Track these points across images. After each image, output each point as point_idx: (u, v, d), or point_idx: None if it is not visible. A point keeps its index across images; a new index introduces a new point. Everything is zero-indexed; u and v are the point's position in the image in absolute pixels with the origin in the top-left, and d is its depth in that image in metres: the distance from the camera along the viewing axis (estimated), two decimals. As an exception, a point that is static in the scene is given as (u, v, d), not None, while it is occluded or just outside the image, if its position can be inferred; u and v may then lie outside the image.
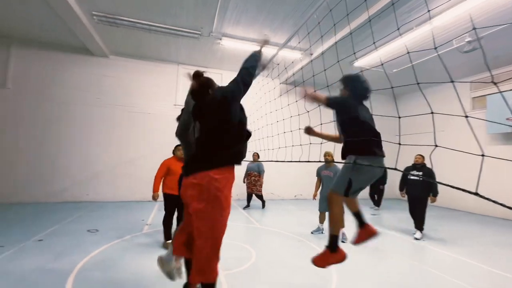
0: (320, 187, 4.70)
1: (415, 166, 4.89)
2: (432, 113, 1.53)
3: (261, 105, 4.91)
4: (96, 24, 5.73)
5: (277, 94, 4.27)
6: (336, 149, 2.69)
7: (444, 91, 8.33)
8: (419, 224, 4.73)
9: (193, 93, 1.92)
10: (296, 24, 5.47)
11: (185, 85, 7.97)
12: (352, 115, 2.03)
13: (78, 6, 5.07)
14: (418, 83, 1.63)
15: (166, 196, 3.73)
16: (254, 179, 6.73)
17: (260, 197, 6.86)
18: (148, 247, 3.70)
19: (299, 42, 3.79)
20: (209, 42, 6.51)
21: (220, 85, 1.98)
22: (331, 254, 2.08)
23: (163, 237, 3.78)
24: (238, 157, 1.81)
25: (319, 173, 4.75)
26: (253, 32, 6.00)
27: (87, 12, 5.34)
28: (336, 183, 2.09)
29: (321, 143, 2.56)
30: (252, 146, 5.45)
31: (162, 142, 7.62)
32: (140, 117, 7.62)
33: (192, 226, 1.70)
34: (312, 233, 4.64)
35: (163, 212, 3.73)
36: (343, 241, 4.10)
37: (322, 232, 4.66)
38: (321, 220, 4.69)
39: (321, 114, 2.62)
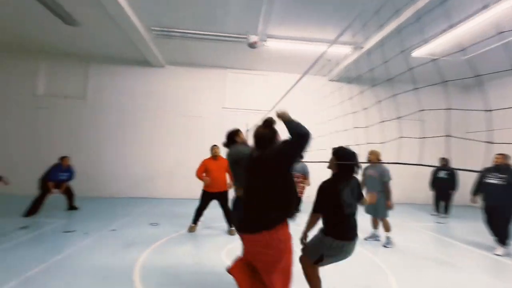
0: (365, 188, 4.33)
1: (496, 168, 4.12)
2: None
3: (310, 105, 4.78)
4: (155, 37, 6.37)
5: (327, 92, 4.09)
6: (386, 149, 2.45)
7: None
8: (502, 238, 3.97)
9: (258, 139, 1.90)
10: (343, 17, 5.19)
11: (232, 89, 8.27)
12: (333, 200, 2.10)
13: (140, 23, 5.71)
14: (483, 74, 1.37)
15: (203, 192, 4.56)
16: (297, 180, 6.25)
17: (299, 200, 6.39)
18: (202, 241, 3.95)
19: (352, 36, 3.56)
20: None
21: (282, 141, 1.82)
22: None
23: (212, 232, 4.30)
24: (292, 210, 1.87)
25: (363, 173, 4.40)
26: (297, 31, 5.90)
27: (147, 28, 5.97)
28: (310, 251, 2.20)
29: (383, 143, 2.36)
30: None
31: (212, 143, 8.07)
32: (193, 120, 8.19)
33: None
34: (365, 239, 4.32)
35: (214, 210, 3.97)
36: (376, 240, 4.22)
37: (377, 239, 4.31)
38: (374, 225, 4.35)
39: (369, 112, 2.41)
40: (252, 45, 5.23)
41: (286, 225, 1.76)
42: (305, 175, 6.35)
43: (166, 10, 5.29)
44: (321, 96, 4.81)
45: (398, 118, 2.08)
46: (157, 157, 7.96)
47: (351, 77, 7.25)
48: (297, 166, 6.35)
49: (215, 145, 4.86)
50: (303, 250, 2.22)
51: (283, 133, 1.82)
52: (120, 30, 5.91)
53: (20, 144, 7.52)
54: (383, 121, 2.02)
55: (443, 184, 6.56)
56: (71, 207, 5.68)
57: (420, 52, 6.16)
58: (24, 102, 7.63)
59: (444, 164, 6.70)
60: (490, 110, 1.22)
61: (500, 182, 3.95)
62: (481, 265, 3.56)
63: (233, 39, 6.22)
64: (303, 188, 6.27)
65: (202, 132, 8.16)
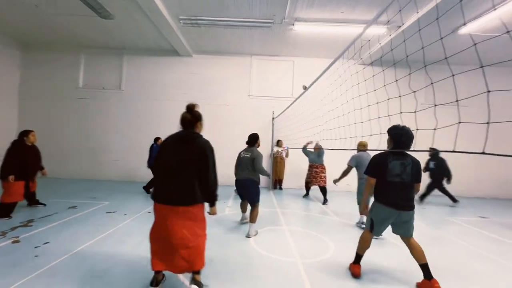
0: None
1: None
2: None
3: (340, 93, 4.57)
4: (182, 27, 6.45)
5: (361, 77, 3.84)
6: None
7: None
8: None
9: (183, 122, 2.53)
10: (380, -6, 4.77)
11: (258, 76, 8.14)
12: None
13: (168, 12, 5.80)
14: None
15: None
16: (316, 170, 6.16)
17: (323, 190, 6.15)
18: (231, 226, 4.08)
19: (392, 16, 3.27)
20: (281, 29, 6.43)
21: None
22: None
23: (240, 219, 4.41)
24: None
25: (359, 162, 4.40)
26: (328, 12, 5.57)
27: (175, 17, 6.05)
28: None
29: (416, 129, 2.18)
30: (328, 134, 5.17)
31: (239, 131, 8.15)
32: (219, 108, 8.30)
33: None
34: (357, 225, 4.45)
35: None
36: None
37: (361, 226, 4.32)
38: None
39: (415, 98, 2.21)
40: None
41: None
42: (322, 164, 6.21)
43: (193, -2, 5.29)
44: (354, 82, 4.55)
45: (454, 102, 1.88)
46: (186, 145, 8.25)
47: (386, 60, 6.74)
48: (314, 156, 6.23)
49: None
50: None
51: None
52: (150, 21, 6.08)
53: (64, 133, 8.25)
54: (435, 105, 1.84)
55: (431, 174, 6.49)
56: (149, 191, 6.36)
57: (468, 29, 5.51)
58: (68, 94, 8.29)
59: (433, 154, 6.22)
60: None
61: None
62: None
63: (260, 24, 6.07)
64: (325, 177, 6.15)
65: (228, 120, 8.26)
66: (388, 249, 3.46)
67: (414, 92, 1.85)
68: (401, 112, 2.14)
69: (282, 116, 7.54)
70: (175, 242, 2.05)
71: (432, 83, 1.75)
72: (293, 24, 6.04)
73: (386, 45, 6.17)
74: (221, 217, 4.61)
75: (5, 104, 7.88)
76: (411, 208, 2.47)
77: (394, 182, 2.45)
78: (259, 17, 5.90)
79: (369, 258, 2.95)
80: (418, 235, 4.12)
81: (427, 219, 5.16)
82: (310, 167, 6.37)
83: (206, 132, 9.59)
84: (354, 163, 4.45)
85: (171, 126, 9.22)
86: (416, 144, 2.16)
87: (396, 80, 2.25)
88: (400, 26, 5.53)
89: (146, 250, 2.65)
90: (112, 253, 2.93)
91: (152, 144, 6.52)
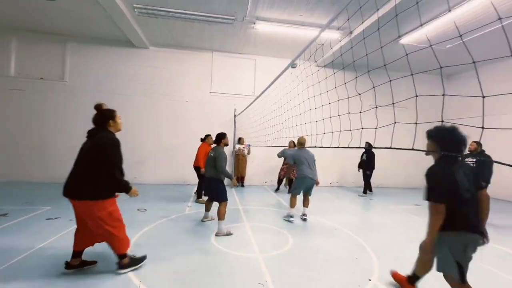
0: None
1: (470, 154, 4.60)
2: (483, 96, 1.24)
3: (298, 93, 4.78)
4: (137, 16, 6.02)
5: (316, 78, 4.09)
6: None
7: (497, 69, 7.27)
8: None
9: (93, 121, 2.59)
10: (333, 2, 5.10)
11: (220, 73, 8.10)
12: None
13: (121, 0, 5.35)
14: (474, 62, 1.41)
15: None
16: (291, 167, 6.79)
17: (292, 181, 6.84)
18: (192, 225, 3.98)
19: (344, 22, 3.51)
20: (243, 27, 6.44)
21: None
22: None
23: (203, 217, 4.36)
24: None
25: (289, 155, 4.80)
26: (287, 14, 5.76)
27: (129, 5, 5.62)
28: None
29: (361, 129, 2.41)
30: (291, 132, 5.41)
31: (199, 129, 7.96)
32: (178, 105, 7.99)
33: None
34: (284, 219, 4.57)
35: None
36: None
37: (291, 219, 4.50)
38: (293, 204, 4.52)
39: (362, 97, 2.45)
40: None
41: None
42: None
43: (149, -14, 4.98)
44: (310, 82, 4.82)
45: (372, 108, 2.11)
46: (142, 142, 7.77)
47: (339, 63, 7.26)
48: (289, 151, 6.60)
49: (208, 135, 5.46)
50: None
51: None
52: (99, 6, 5.53)
53: (-6, 128, 7.08)
54: (376, 107, 2.05)
55: (362, 165, 7.33)
56: None
57: (408, 40, 6.23)
58: (-5, 83, 7.11)
59: (369, 148, 7.14)
60: (484, 96, 1.24)
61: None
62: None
63: (221, 20, 5.99)
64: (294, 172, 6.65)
65: (189, 117, 8.01)
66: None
67: (360, 94, 2.03)
68: (349, 113, 2.33)
69: (244, 113, 7.60)
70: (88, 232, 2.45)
71: (374, 87, 1.96)
72: (255, 23, 6.10)
73: (339, 49, 6.62)
74: (181, 216, 4.47)
75: None
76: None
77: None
78: (220, 13, 5.82)
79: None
80: (365, 223, 4.55)
81: (374, 208, 5.74)
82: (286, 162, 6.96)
83: (166, 129, 9.22)
84: (292, 160, 4.62)
85: (125, 122, 8.57)
86: (362, 141, 2.38)
87: (345, 83, 2.45)
88: (351, 32, 5.99)
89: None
90: (52, 265, 2.63)
91: None
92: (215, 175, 3.70)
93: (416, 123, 1.57)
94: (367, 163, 7.19)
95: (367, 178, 7.23)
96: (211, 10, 5.71)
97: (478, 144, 4.69)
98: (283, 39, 7.03)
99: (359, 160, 7.55)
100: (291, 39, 6.90)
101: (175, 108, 7.96)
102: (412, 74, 1.59)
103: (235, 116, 8.11)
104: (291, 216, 4.49)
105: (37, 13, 6.20)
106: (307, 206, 4.64)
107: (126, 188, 2.42)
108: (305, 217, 4.58)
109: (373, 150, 7.15)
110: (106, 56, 7.62)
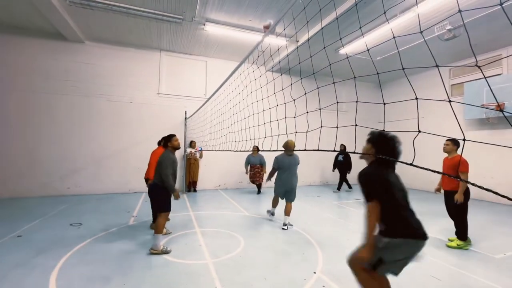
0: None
1: None
2: (416, 98, 1.38)
3: (247, 94, 4.85)
4: (68, 6, 5.34)
5: (263, 82, 4.21)
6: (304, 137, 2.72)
7: (424, 79, 8.60)
8: None
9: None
10: (281, 10, 5.35)
11: (169, 73, 7.74)
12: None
13: (47, -14, 4.69)
14: (403, 68, 1.64)
15: None
16: (258, 171, 7.29)
17: (259, 186, 7.57)
18: (135, 237, 3.66)
19: (284, 29, 3.70)
20: (192, 27, 6.27)
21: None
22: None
23: (149, 227, 4.11)
24: None
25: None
26: (237, 18, 5.83)
27: (58, -7, 4.96)
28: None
29: (307, 132, 2.57)
30: (236, 136, 5.43)
31: (146, 132, 7.44)
32: (121, 106, 7.33)
33: None
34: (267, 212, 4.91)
35: (148, 203, 3.75)
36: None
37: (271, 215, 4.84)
38: (274, 204, 4.75)
39: (307, 101, 2.61)
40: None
41: None
42: (262, 165, 7.32)
43: (82, -26, 4.47)
44: (258, 86, 4.96)
45: (316, 109, 2.30)
46: (77, 148, 6.88)
47: (286, 68, 7.63)
48: (254, 158, 7.24)
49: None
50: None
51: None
52: (17, -9, 4.74)
53: None
54: (307, 112, 2.19)
55: (340, 166, 8.14)
56: None
57: (346, 50, 6.90)
58: None
59: (343, 149, 7.96)
60: (417, 99, 1.35)
61: None
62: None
63: (168, 18, 5.73)
64: (262, 176, 7.30)
65: (134, 119, 7.43)
66: (290, 236, 3.92)
67: (294, 100, 2.16)
68: (295, 117, 2.45)
69: (195, 116, 7.38)
70: None
71: (305, 93, 2.10)
72: (204, 24, 6.00)
73: (287, 55, 6.98)
74: (123, 228, 4.08)
75: None
76: None
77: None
78: (168, 11, 5.56)
79: (274, 246, 3.25)
80: (314, 217, 4.82)
81: (321, 204, 6.16)
82: (252, 167, 7.35)
83: (107, 132, 8.47)
84: (276, 165, 4.44)
85: (54, 123, 7.65)
86: (306, 143, 2.51)
87: (282, 88, 2.57)
88: (298, 41, 6.37)
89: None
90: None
91: None
92: (159, 181, 3.33)
93: (356, 125, 1.71)
94: (347, 163, 7.96)
95: (345, 176, 8.02)
96: (158, 7, 5.42)
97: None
98: (234, 43, 7.07)
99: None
100: (242, 43, 6.98)
101: (117, 109, 7.28)
102: (354, 78, 1.73)
103: (185, 118, 7.82)
104: (272, 214, 4.81)
105: None
106: (287, 214, 4.29)
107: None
108: (284, 227, 4.21)
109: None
110: (31, 49, 6.55)
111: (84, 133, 6.96)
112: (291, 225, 4.37)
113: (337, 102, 1.90)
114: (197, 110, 7.03)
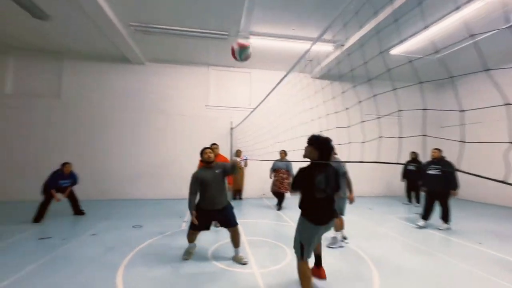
0: None
1: (432, 161, 4.98)
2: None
3: (293, 103, 4.82)
4: (133, 33, 6.13)
5: (311, 90, 4.13)
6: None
7: (503, 75, 7.37)
8: (445, 216, 4.82)
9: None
10: (325, 15, 5.25)
11: (216, 87, 8.14)
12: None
13: (116, 18, 5.46)
14: (488, 69, 1.43)
15: None
16: (283, 176, 6.35)
17: (282, 196, 6.49)
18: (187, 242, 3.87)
19: (334, 35, 3.60)
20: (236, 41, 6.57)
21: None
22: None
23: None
24: None
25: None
26: (280, 28, 5.91)
27: (125, 23, 5.73)
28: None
29: (363, 142, 2.41)
30: (284, 145, 5.41)
31: (196, 142, 7.94)
32: (174, 119, 8.00)
33: None
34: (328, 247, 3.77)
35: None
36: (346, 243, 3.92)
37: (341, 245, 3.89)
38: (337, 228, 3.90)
39: (352, 109, 2.46)
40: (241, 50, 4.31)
41: None
42: (288, 171, 6.47)
43: (144, 5, 5.09)
44: (305, 94, 4.87)
45: (378, 117, 2.14)
46: (138, 157, 7.71)
47: (333, 75, 7.38)
48: (281, 163, 6.47)
49: (214, 144, 4.97)
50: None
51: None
52: (94, 25, 5.64)
53: (-12, 147, 7.01)
54: (364, 121, 2.06)
55: (412, 176, 7.08)
56: (77, 212, 5.49)
57: (398, 50, 6.38)
58: (-9, 102, 7.10)
59: (414, 158, 7.11)
60: (463, 111, 1.27)
61: (437, 173, 4.80)
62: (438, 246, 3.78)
63: (215, 35, 6.12)
64: (288, 184, 6.34)
65: (185, 131, 8.01)
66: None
67: (347, 109, 2.05)
68: (348, 126, 2.33)
69: (241, 126, 7.61)
70: None
71: (360, 101, 1.97)
72: (248, 37, 6.23)
73: (334, 61, 6.76)
74: (177, 232, 4.35)
75: None
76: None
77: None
78: (214, 29, 5.95)
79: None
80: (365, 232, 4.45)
81: (375, 218, 5.66)
82: (276, 172, 6.46)
83: (161, 143, 9.17)
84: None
85: (121, 138, 8.59)
86: (365, 154, 2.33)
87: (333, 97, 2.47)
88: (343, 45, 6.14)
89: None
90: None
91: (58, 170, 5.30)
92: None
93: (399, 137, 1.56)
94: (416, 173, 6.85)
95: (415, 187, 7.06)
96: (205, 26, 5.84)
97: (440, 151, 4.98)
98: (277, 52, 7.16)
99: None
100: (285, 52, 7.03)
101: (170, 122, 7.97)
102: (421, 83, 1.59)
103: (231, 128, 8.13)
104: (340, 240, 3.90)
105: (33, 32, 6.29)
106: (340, 229, 3.86)
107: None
108: (342, 244, 3.84)
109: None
110: (102, 72, 7.69)
111: (142, 144, 7.77)
112: (346, 240, 3.95)
113: (399, 110, 1.74)
114: (243, 120, 7.25)
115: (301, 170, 2.27)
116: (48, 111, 7.36)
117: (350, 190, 3.78)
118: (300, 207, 2.29)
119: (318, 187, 2.16)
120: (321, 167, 2.24)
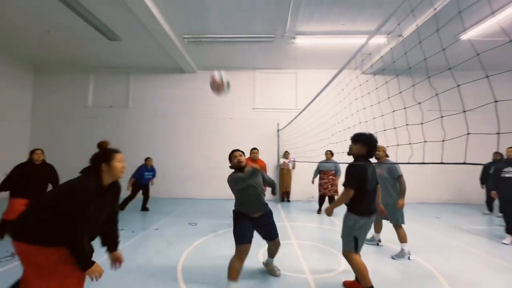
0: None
1: (508, 162, 4.25)
2: None
3: (345, 105, 4.58)
4: (186, 45, 6.65)
5: (363, 88, 3.85)
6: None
7: None
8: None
9: None
10: (379, 5, 4.86)
11: (261, 89, 8.21)
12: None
13: (173, 33, 6.00)
14: None
15: None
16: (332, 178, 6.02)
17: (332, 198, 6.06)
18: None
19: (397, 24, 3.31)
20: (282, 43, 6.56)
21: None
22: None
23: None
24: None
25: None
26: (328, 25, 5.69)
27: (179, 37, 6.26)
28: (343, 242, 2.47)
29: (424, 141, 2.14)
30: (335, 146, 5.15)
31: (244, 144, 8.16)
32: (223, 123, 8.39)
33: None
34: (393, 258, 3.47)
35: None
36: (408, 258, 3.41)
37: (377, 244, 3.95)
38: (376, 228, 3.94)
39: (406, 104, 2.19)
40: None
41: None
42: (336, 173, 6.13)
43: (195, 17, 5.48)
44: (358, 93, 4.58)
45: (435, 118, 1.86)
46: (192, 159, 8.30)
47: (389, 69, 6.78)
48: (327, 164, 6.15)
49: (254, 148, 5.13)
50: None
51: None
52: (155, 41, 6.30)
53: (73, 152, 8.41)
54: (442, 117, 1.82)
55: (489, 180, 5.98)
56: (144, 209, 6.19)
57: (471, 34, 5.52)
58: (77, 113, 8.53)
59: (498, 159, 5.96)
60: None
61: None
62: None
63: (261, 39, 6.23)
64: (336, 186, 6.05)
65: (233, 134, 8.32)
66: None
67: (419, 103, 1.83)
68: (407, 124, 2.10)
69: (288, 127, 7.56)
70: None
71: (436, 94, 1.74)
72: (294, 38, 6.17)
73: (387, 55, 6.20)
74: (229, 232, 4.52)
75: (17, 124, 8.14)
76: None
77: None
78: (260, 32, 6.05)
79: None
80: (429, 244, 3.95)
81: (443, 228, 4.97)
82: (324, 174, 6.13)
83: (211, 146, 9.61)
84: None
85: (177, 141, 9.30)
86: (425, 155, 2.07)
87: (400, 92, 2.24)
88: (400, 35, 5.58)
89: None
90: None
91: (143, 164, 6.27)
92: None
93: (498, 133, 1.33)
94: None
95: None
96: (251, 30, 5.98)
97: None
98: (324, 51, 6.92)
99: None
100: (333, 49, 6.75)
101: (220, 125, 8.38)
102: (487, 76, 1.37)
103: (278, 130, 8.13)
104: (379, 241, 3.97)
105: (108, 52, 7.35)
106: (404, 241, 3.47)
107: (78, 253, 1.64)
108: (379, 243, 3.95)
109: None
110: (160, 82, 8.55)
111: (196, 147, 8.34)
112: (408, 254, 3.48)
113: (496, 101, 1.49)
114: (290, 122, 7.19)
115: (355, 167, 2.37)
116: (119, 119, 8.49)
117: (402, 196, 3.38)
118: (347, 203, 2.43)
119: (369, 179, 2.36)
120: (368, 162, 2.44)
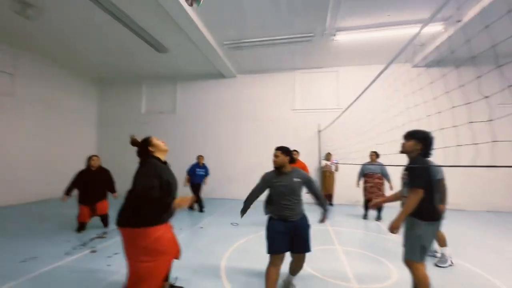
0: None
1: None
2: None
3: (396, 100, 4.24)
4: (226, 51, 6.91)
5: (414, 83, 3.49)
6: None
7: None
8: None
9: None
10: (432, -10, 4.38)
11: (301, 90, 8.10)
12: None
13: (214, 40, 6.30)
14: None
15: None
16: (378, 181, 5.53)
17: (377, 208, 5.60)
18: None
19: (457, 8, 2.97)
20: (322, 41, 6.36)
21: None
22: None
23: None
24: None
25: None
26: (372, 18, 5.34)
27: (220, 44, 6.54)
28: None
29: (493, 141, 1.85)
30: (383, 147, 4.75)
31: (284, 145, 8.11)
32: (263, 125, 8.47)
33: None
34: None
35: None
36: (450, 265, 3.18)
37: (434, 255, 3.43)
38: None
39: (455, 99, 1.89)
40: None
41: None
42: (383, 176, 5.59)
43: (234, 23, 5.64)
44: (409, 89, 4.16)
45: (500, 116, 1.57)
46: (234, 161, 8.56)
47: (446, 59, 6.05)
48: (374, 166, 5.65)
49: (294, 150, 5.04)
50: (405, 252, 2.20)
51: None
52: (198, 50, 6.69)
53: (131, 154, 9.37)
54: (490, 120, 1.55)
55: None
56: (190, 207, 6.44)
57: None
58: (133, 120, 9.52)
59: None
60: None
61: None
62: None
63: (300, 39, 6.13)
64: (383, 191, 5.51)
65: (273, 135, 8.33)
66: (467, 278, 2.91)
67: (486, 97, 1.59)
68: (471, 122, 1.84)
69: (329, 128, 7.28)
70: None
71: (510, 86, 1.49)
72: (335, 35, 5.93)
73: (443, 44, 5.55)
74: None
75: (87, 131, 9.45)
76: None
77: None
78: (299, 32, 5.96)
79: None
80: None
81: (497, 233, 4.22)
82: (370, 177, 5.63)
83: (252, 148, 9.79)
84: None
85: (219, 143, 9.68)
86: (497, 156, 1.79)
87: (463, 85, 1.98)
88: (459, 21, 4.94)
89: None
90: (169, 267, 3.12)
91: (195, 162, 6.74)
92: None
93: None
94: None
95: None
96: (290, 31, 5.93)
97: None
98: (367, 45, 6.50)
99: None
100: (376, 43, 6.30)
101: (260, 128, 8.47)
102: None
103: (319, 131, 7.89)
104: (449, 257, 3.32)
105: (157, 63, 8.05)
106: (442, 245, 3.28)
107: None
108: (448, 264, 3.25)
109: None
110: (203, 88, 9.04)
111: (237, 149, 8.58)
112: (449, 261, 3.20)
113: None
114: (332, 123, 6.91)
115: (420, 167, 2.12)
116: (168, 124, 9.21)
117: (444, 201, 3.00)
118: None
119: (433, 179, 2.11)
120: (429, 162, 2.22)
